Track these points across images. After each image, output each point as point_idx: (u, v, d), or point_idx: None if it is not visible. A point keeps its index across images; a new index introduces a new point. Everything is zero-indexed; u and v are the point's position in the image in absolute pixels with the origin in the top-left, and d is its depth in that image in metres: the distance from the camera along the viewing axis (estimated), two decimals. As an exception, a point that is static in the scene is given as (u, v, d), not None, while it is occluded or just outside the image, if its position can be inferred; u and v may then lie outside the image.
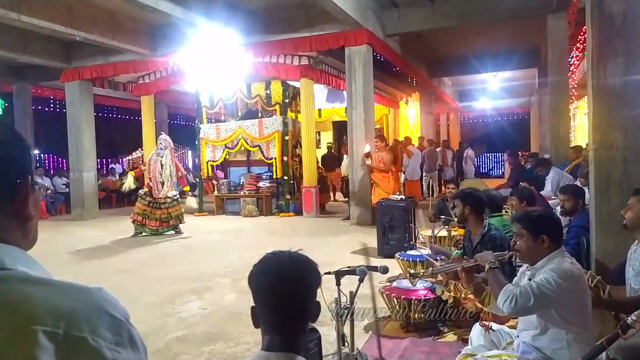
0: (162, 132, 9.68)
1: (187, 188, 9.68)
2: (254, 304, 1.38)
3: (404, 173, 12.22)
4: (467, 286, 2.82)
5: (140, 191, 8.98)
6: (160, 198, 8.67)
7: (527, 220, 2.41)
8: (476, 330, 2.80)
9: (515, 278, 2.60)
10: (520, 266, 2.85)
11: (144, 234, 8.74)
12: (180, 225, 8.95)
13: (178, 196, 8.95)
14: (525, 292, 2.21)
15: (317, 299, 1.41)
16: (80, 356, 0.70)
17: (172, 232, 8.87)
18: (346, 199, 11.17)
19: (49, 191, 12.40)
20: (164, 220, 8.78)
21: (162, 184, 8.66)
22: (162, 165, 8.68)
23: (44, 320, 0.69)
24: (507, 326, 2.78)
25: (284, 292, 1.33)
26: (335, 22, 8.99)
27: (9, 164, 0.80)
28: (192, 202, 10.06)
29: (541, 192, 6.94)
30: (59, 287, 0.76)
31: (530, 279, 2.36)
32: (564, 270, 2.23)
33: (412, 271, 4.45)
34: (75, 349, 0.70)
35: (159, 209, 8.73)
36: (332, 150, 14.20)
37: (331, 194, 13.27)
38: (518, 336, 2.47)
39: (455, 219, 4.80)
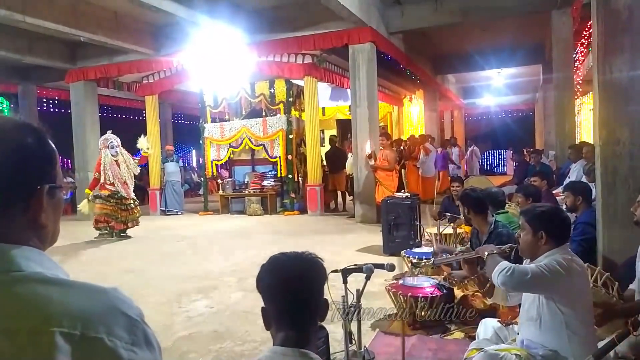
0: (109, 131, 8.73)
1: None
2: (264, 305, 1.42)
3: (420, 170, 12.29)
4: (471, 277, 2.86)
5: (96, 194, 8.38)
6: (127, 199, 8.39)
7: (531, 214, 2.45)
8: (483, 326, 2.82)
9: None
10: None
11: (107, 236, 8.42)
12: (130, 229, 8.61)
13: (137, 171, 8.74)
14: (523, 267, 2.27)
15: (325, 297, 1.44)
16: (96, 357, 0.71)
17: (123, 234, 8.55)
18: (350, 197, 11.15)
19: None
20: (126, 222, 8.49)
21: (126, 183, 8.36)
22: (118, 165, 8.38)
23: (61, 322, 0.70)
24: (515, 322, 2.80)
25: (293, 289, 1.38)
26: (338, 20, 8.98)
27: (25, 172, 0.79)
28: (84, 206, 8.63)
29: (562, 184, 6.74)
30: (75, 287, 0.77)
31: None
32: (562, 262, 2.26)
33: (414, 260, 4.49)
34: (92, 349, 0.70)
35: (125, 210, 8.44)
36: (337, 145, 12.10)
37: (334, 201, 11.59)
38: (518, 333, 2.49)
39: (462, 217, 4.83)
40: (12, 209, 0.78)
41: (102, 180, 8.34)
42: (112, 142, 8.45)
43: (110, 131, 8.71)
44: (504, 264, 2.34)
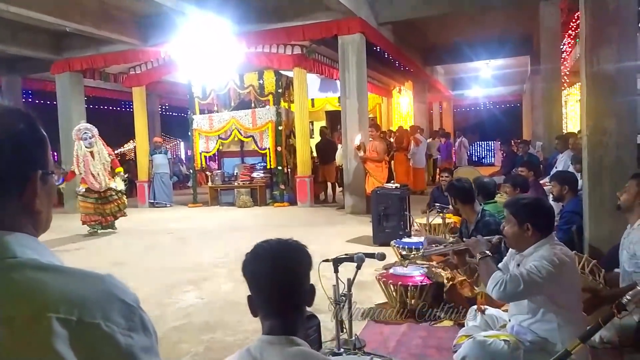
0: (82, 121, 8.57)
1: (120, 169, 8.58)
2: (249, 293, 1.41)
3: (411, 160, 12.31)
4: (461, 268, 2.89)
5: (77, 190, 8.23)
6: (106, 191, 8.08)
7: (515, 206, 2.44)
8: (472, 314, 2.85)
9: (505, 258, 2.64)
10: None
11: (98, 231, 8.22)
12: (118, 219, 8.43)
13: (122, 187, 8.37)
14: (515, 278, 2.23)
15: (312, 283, 1.44)
16: (94, 342, 0.71)
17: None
18: (340, 188, 11.16)
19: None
20: (112, 214, 8.27)
21: (98, 175, 7.98)
22: (92, 156, 8.02)
23: (58, 308, 0.70)
24: (502, 310, 2.83)
25: (277, 274, 1.37)
26: (328, 10, 8.94)
27: (18, 158, 0.78)
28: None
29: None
30: (70, 274, 0.77)
31: (518, 265, 2.40)
32: (553, 258, 2.25)
33: (403, 252, 4.56)
34: (89, 335, 0.70)
35: (108, 203, 8.17)
36: (327, 137, 11.72)
37: (324, 192, 11.52)
38: (510, 320, 2.52)
39: (450, 207, 4.87)
40: (6, 196, 0.78)
41: (77, 172, 8.11)
42: (85, 133, 8.13)
43: (84, 120, 8.49)
44: (496, 276, 2.31)
